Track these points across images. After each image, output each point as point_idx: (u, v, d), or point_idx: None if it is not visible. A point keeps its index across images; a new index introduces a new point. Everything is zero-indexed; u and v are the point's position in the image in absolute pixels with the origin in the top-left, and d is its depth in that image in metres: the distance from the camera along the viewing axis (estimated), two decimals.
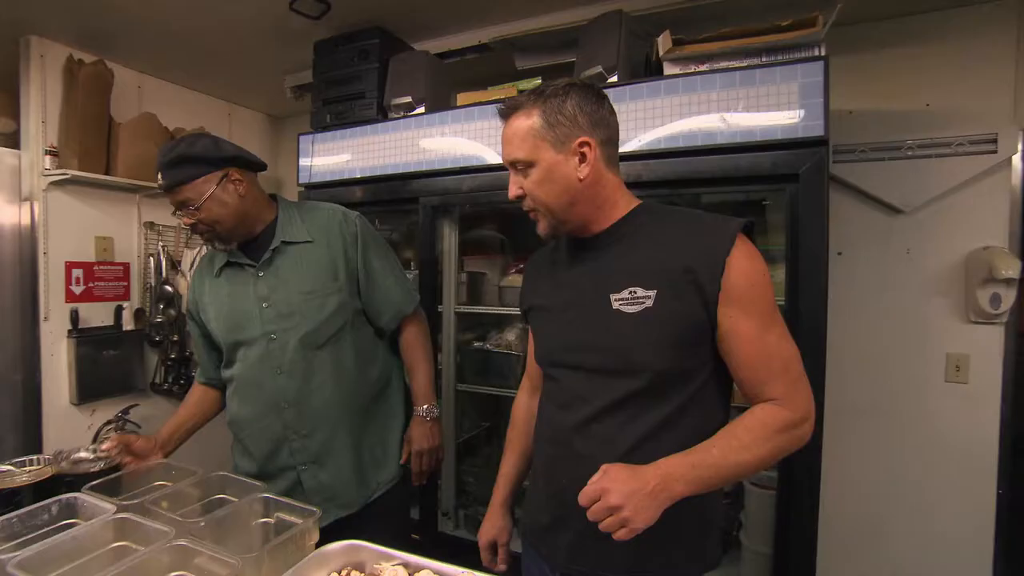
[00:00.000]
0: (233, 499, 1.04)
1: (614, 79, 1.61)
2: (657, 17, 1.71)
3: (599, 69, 1.62)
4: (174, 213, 1.26)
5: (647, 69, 1.67)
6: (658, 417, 0.90)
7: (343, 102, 2.07)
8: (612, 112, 0.96)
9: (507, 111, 0.96)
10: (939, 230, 1.82)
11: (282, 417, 1.29)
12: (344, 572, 0.85)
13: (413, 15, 1.99)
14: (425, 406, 1.43)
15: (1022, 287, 1.70)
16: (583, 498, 0.78)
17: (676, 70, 1.54)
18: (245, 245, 1.33)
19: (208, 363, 1.44)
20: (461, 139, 1.81)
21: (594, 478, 0.79)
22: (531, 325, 1.11)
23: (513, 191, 0.96)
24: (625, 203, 0.98)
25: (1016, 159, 1.72)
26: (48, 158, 2.12)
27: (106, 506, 0.91)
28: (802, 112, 1.36)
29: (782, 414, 0.86)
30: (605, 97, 0.96)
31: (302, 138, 2.11)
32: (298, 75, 2.43)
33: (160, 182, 1.23)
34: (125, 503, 0.93)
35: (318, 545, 0.90)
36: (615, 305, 0.91)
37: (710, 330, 0.88)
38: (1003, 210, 1.74)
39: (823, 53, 1.38)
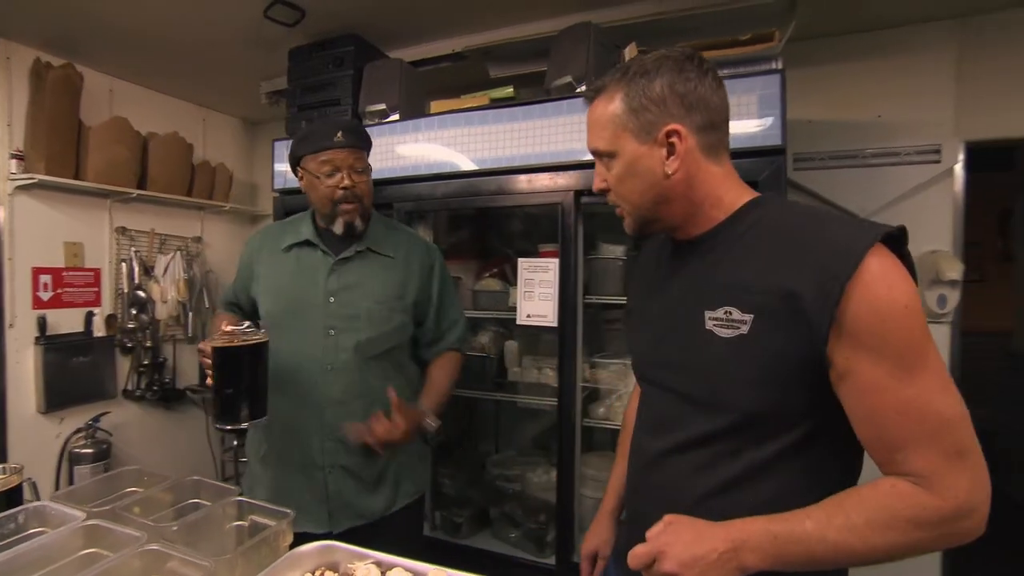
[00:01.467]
0: (207, 503, 1.05)
1: (583, 88, 1.66)
2: (624, 29, 1.77)
3: (569, 79, 1.66)
4: (330, 173, 1.29)
5: None
6: (744, 466, 0.73)
7: (318, 108, 2.08)
8: (716, 88, 0.77)
9: (591, 94, 0.83)
10: None
11: (322, 415, 1.29)
12: (318, 573, 0.85)
13: (388, 23, 2.02)
14: (430, 410, 1.34)
15: (965, 288, 1.79)
16: (633, 560, 0.66)
17: None
18: (325, 234, 1.37)
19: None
20: (435, 146, 1.84)
21: (652, 530, 0.68)
22: (628, 327, 0.99)
23: (597, 183, 0.84)
24: (732, 198, 0.79)
25: (957, 168, 1.83)
26: (14, 162, 2.09)
27: (75, 513, 0.91)
28: (760, 122, 1.42)
29: (922, 500, 0.62)
30: (708, 71, 0.77)
31: (277, 144, 2.11)
32: (273, 81, 2.43)
33: (338, 137, 1.30)
34: (95, 510, 0.93)
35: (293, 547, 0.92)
36: (708, 325, 0.75)
37: (820, 370, 0.68)
38: (947, 216, 1.84)
39: (780, 66, 1.45)
